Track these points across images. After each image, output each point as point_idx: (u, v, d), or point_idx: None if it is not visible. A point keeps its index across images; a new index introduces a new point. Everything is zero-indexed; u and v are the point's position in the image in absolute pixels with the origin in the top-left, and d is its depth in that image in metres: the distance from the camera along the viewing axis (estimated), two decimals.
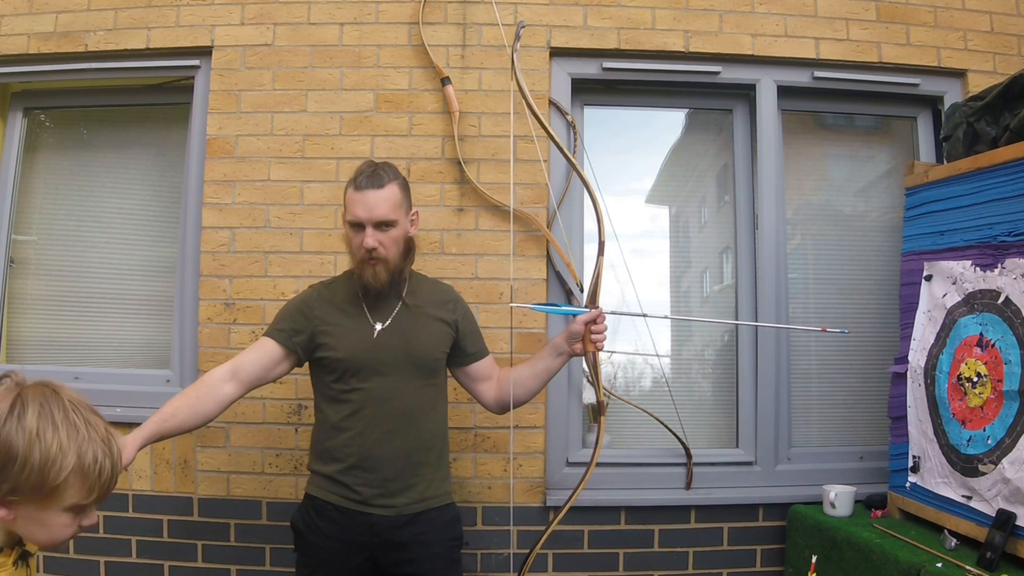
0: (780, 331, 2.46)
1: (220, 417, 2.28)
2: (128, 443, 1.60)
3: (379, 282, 1.79)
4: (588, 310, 1.87)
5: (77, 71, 2.47)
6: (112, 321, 2.58)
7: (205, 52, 2.43)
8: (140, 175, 2.63)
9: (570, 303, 2.36)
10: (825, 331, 2.01)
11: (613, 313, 1.91)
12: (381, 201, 1.76)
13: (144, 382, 2.44)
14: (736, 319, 2.52)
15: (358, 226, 1.78)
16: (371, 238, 1.76)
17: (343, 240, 1.89)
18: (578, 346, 1.87)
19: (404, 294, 1.86)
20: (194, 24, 2.42)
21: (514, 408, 1.93)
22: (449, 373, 1.97)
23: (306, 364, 1.88)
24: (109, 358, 2.55)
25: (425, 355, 1.84)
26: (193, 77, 2.47)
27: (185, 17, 2.42)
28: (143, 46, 2.42)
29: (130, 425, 2.31)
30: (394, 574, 1.80)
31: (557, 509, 2.29)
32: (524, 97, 1.92)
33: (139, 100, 2.59)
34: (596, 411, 1.89)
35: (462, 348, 1.92)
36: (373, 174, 1.79)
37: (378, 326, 1.82)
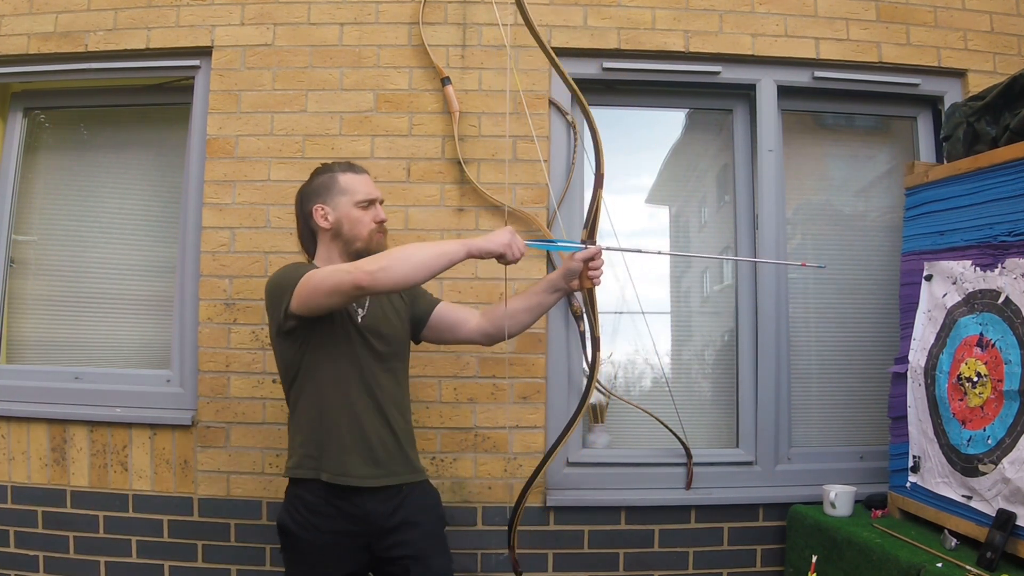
0: (780, 331, 2.46)
1: (220, 417, 2.32)
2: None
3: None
4: (585, 246, 1.88)
5: (77, 71, 2.47)
6: (112, 321, 2.58)
7: (205, 52, 2.43)
8: (140, 175, 2.63)
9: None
10: (804, 265, 2.13)
11: (608, 249, 1.93)
12: None
13: (144, 382, 2.44)
14: (736, 319, 2.53)
15: (369, 203, 1.89)
16: (382, 210, 1.92)
17: (343, 223, 1.86)
18: (575, 283, 1.92)
19: None
20: (194, 24, 2.42)
21: (507, 339, 1.97)
22: (429, 341, 2.05)
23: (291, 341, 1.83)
24: (109, 358, 2.55)
25: (401, 336, 1.94)
26: (193, 77, 2.47)
27: (185, 17, 2.42)
28: (143, 46, 2.42)
29: (130, 425, 2.35)
30: (388, 558, 1.82)
31: (558, 509, 2.32)
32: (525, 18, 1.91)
33: (139, 100, 2.58)
34: (592, 348, 1.97)
35: (420, 309, 2.00)
36: (354, 163, 1.96)
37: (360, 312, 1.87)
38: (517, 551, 2.17)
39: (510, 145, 2.38)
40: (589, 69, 2.45)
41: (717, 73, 2.46)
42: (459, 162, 2.35)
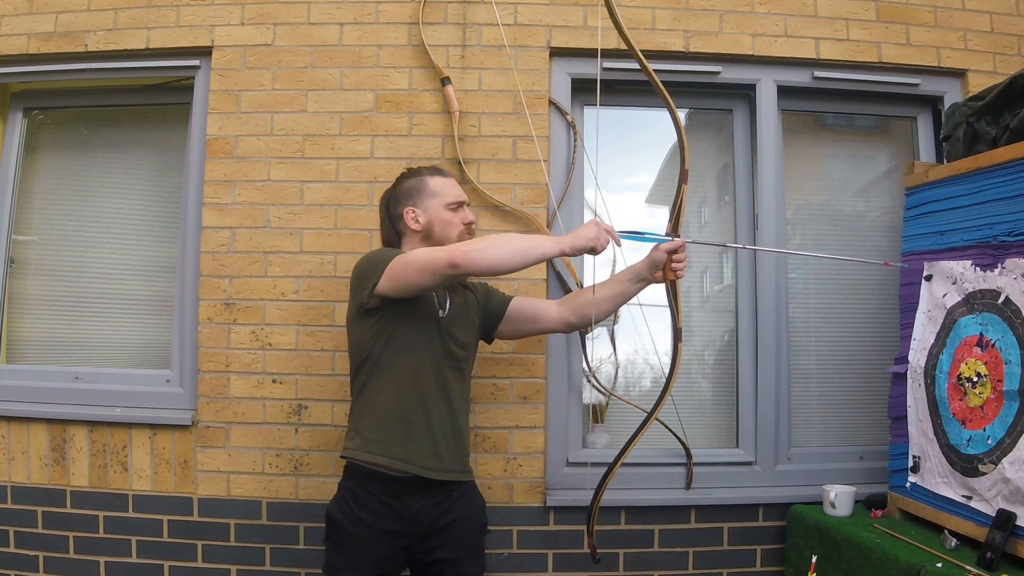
0: (780, 331, 2.46)
1: (220, 417, 2.32)
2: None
3: None
4: (671, 239, 1.93)
5: (77, 71, 2.47)
6: (112, 321, 2.58)
7: (205, 52, 2.43)
8: (140, 175, 2.63)
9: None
10: (887, 264, 2.17)
11: (694, 243, 1.98)
12: None
13: (144, 382, 2.44)
14: (736, 320, 2.53)
15: (458, 205, 1.94)
16: (470, 213, 1.97)
17: (433, 225, 1.91)
18: (659, 274, 1.97)
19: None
20: (194, 24, 2.42)
21: (592, 327, 2.08)
22: (505, 337, 2.12)
23: (371, 321, 1.83)
24: (109, 358, 2.55)
25: (474, 339, 1.99)
26: (193, 77, 2.47)
27: (185, 17, 2.42)
28: (143, 46, 2.42)
29: (130, 425, 2.35)
30: (425, 561, 1.85)
31: (558, 509, 2.32)
32: None
33: (139, 100, 2.59)
34: (674, 339, 2.02)
35: (494, 306, 2.04)
36: (440, 167, 2.04)
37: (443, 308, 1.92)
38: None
39: (510, 145, 2.38)
40: (589, 69, 2.44)
41: (717, 73, 2.46)
42: (459, 162, 2.35)
